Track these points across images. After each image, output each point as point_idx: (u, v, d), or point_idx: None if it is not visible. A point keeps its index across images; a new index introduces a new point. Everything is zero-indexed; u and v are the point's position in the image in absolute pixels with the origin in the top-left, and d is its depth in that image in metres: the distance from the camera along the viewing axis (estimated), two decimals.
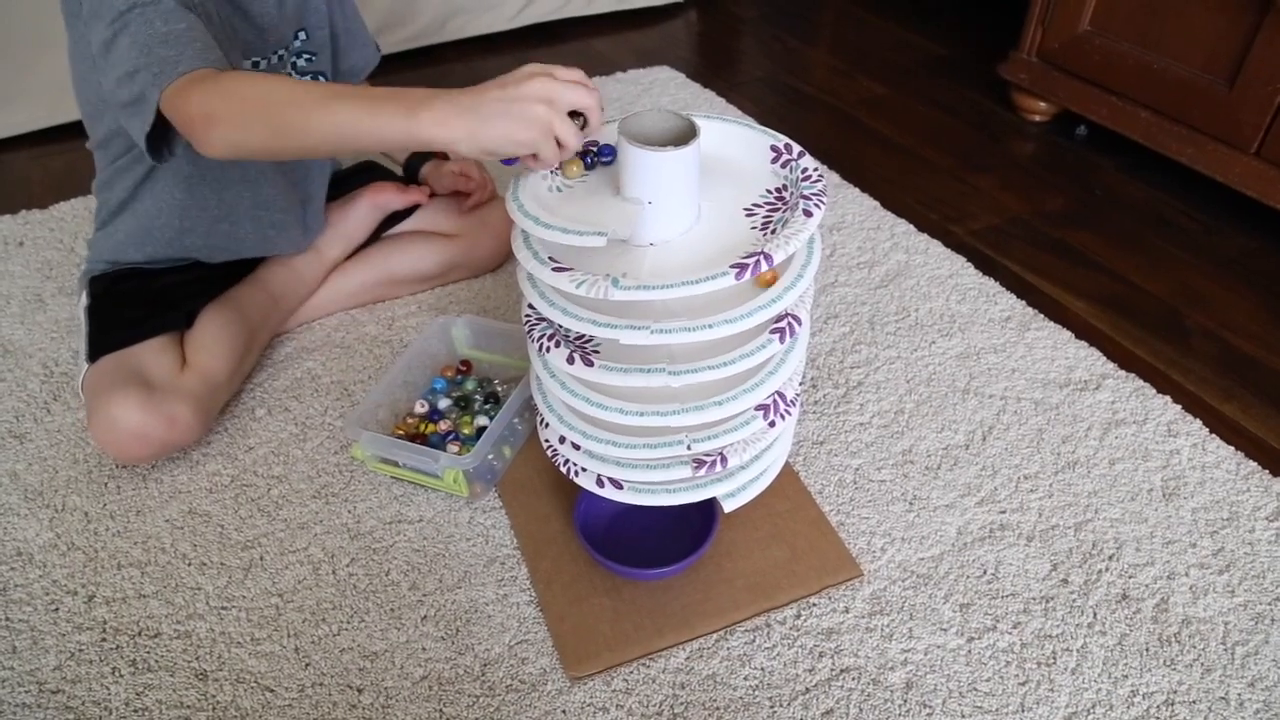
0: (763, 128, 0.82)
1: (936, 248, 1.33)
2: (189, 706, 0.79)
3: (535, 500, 0.95)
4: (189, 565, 0.91)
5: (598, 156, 0.79)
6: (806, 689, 0.79)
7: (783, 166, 0.79)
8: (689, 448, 0.76)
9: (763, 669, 0.81)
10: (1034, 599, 0.86)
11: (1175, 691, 0.79)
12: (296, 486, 0.98)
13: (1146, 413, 1.05)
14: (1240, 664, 0.81)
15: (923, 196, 1.48)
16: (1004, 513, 0.94)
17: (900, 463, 1.00)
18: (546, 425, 0.86)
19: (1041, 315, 1.20)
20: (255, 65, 0.98)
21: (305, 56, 1.04)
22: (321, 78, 1.09)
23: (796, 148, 0.79)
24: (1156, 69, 1.41)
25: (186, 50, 0.77)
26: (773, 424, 0.77)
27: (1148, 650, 0.82)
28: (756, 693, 0.79)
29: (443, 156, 1.29)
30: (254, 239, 1.08)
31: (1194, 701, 0.78)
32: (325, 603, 0.87)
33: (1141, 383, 1.09)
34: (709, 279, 0.66)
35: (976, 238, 1.38)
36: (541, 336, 0.76)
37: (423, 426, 1.01)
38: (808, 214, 0.71)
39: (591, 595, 0.86)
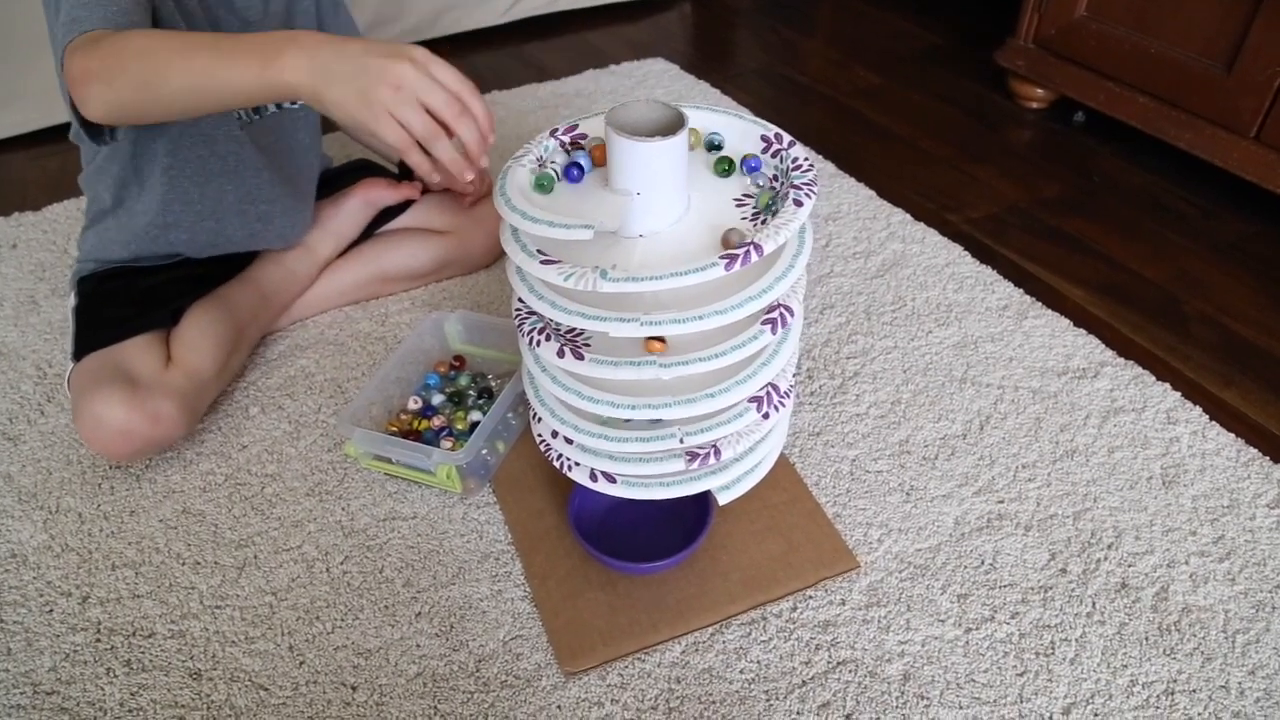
0: (753, 118, 0.81)
1: (933, 237, 1.32)
2: (183, 706, 0.79)
3: (529, 495, 0.95)
4: (183, 565, 0.90)
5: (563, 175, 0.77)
6: (803, 682, 0.79)
7: (773, 156, 0.78)
8: (682, 441, 0.75)
9: (759, 662, 0.80)
10: (1032, 589, 0.86)
11: (1175, 681, 0.78)
12: (290, 484, 0.98)
13: (1145, 400, 1.05)
14: (1241, 652, 0.80)
15: (919, 185, 1.47)
16: (1002, 502, 0.94)
17: (897, 453, 0.99)
18: (539, 420, 0.85)
19: (1039, 303, 1.19)
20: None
21: None
22: None
23: (787, 137, 0.78)
24: (1154, 54, 1.40)
25: (97, 11, 0.74)
26: (766, 416, 0.77)
27: (1147, 639, 0.81)
28: (752, 686, 0.79)
29: None
30: (241, 234, 1.07)
31: (1194, 690, 0.77)
32: (319, 601, 0.87)
33: (1140, 370, 1.09)
34: (698, 270, 0.65)
35: (974, 226, 1.38)
36: (532, 330, 0.76)
37: (416, 423, 1.00)
38: (798, 204, 0.70)
39: (586, 590, 0.85)
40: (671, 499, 0.80)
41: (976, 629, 0.82)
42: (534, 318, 0.77)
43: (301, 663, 0.82)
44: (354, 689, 0.79)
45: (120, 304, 1.01)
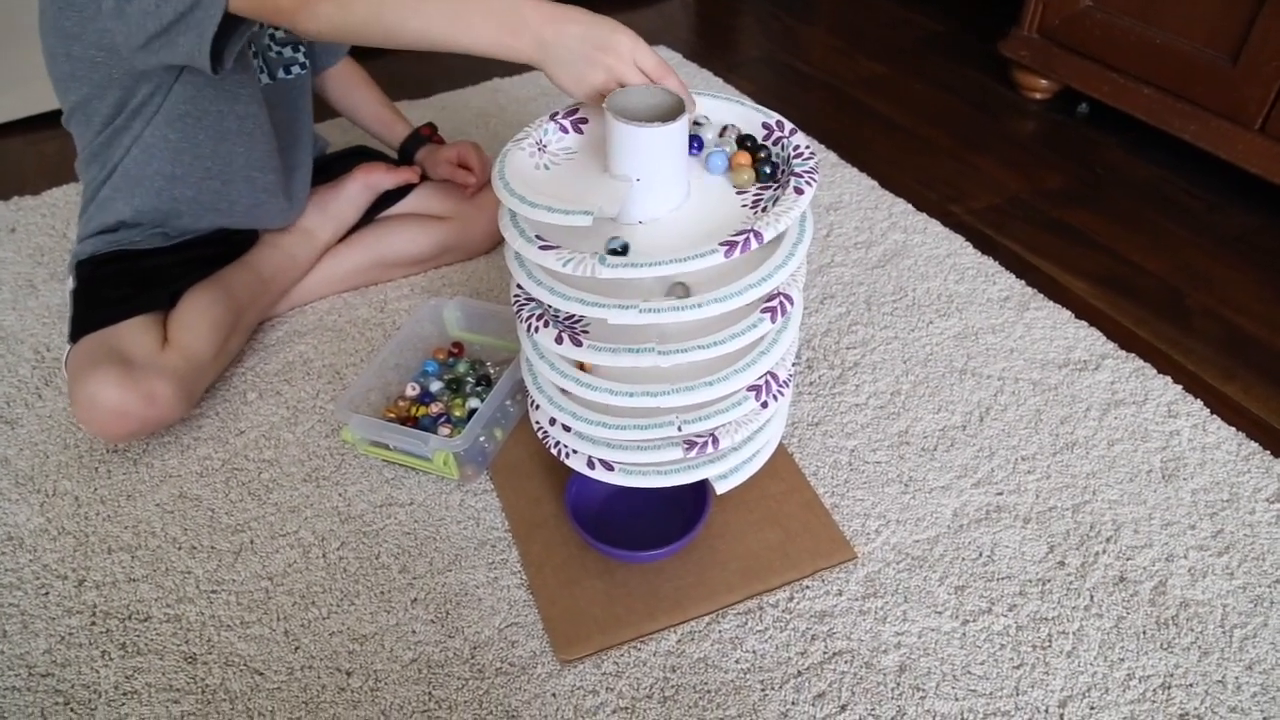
0: (754, 104, 0.81)
1: (935, 227, 1.32)
2: (178, 689, 0.79)
3: (526, 483, 0.94)
4: (179, 549, 0.90)
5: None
6: (799, 672, 0.79)
7: (774, 144, 0.77)
8: (680, 429, 0.75)
9: (754, 652, 0.80)
10: (1030, 581, 0.85)
11: (1172, 674, 0.78)
12: (287, 470, 0.98)
13: (1146, 393, 1.04)
14: (1238, 647, 0.80)
15: (922, 176, 1.47)
16: (1001, 494, 0.93)
17: (896, 444, 0.99)
18: (537, 407, 0.85)
19: (1041, 295, 1.19)
20: (229, 39, 0.94)
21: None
22: (300, 49, 1.08)
23: (788, 125, 0.77)
24: (1159, 45, 1.39)
25: None
26: (765, 405, 0.76)
27: (1145, 633, 0.81)
28: (748, 675, 0.79)
29: (439, 141, 1.28)
30: (244, 203, 1.07)
31: (1191, 684, 0.77)
32: (315, 586, 0.86)
33: (1142, 363, 1.08)
34: (697, 256, 0.65)
35: (976, 217, 1.37)
36: (530, 316, 0.75)
37: (414, 409, 1.00)
38: (799, 191, 0.70)
39: (583, 578, 0.85)
40: (669, 487, 0.79)
41: (973, 621, 0.82)
42: (532, 304, 0.77)
43: (296, 648, 0.81)
44: (349, 674, 0.79)
45: (118, 285, 1.01)
